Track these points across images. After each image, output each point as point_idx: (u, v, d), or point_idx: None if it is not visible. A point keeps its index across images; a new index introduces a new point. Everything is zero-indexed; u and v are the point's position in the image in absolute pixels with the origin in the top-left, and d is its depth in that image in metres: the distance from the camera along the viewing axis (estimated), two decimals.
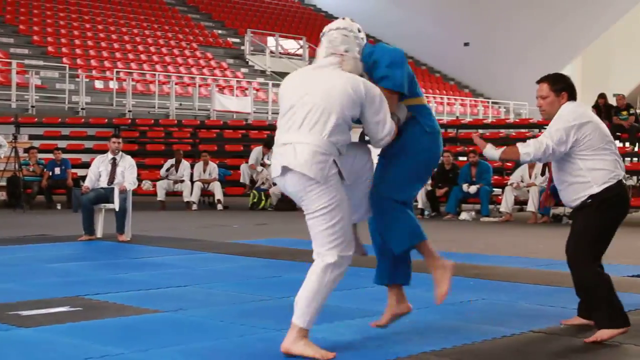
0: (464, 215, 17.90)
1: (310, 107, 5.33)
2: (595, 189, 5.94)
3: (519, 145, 6.07)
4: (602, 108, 20.78)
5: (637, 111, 22.05)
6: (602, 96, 21.25)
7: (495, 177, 19.35)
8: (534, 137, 22.23)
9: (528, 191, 17.25)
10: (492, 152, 6.18)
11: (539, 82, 6.28)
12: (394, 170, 5.74)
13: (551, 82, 6.20)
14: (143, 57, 31.68)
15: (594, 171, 5.95)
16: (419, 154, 5.78)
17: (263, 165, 21.05)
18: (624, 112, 20.46)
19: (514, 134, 23.94)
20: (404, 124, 5.74)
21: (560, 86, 6.17)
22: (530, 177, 17.53)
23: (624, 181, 6.05)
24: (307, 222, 5.49)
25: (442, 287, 5.82)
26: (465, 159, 19.38)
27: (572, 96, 6.17)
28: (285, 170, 5.36)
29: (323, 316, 6.64)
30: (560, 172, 6.11)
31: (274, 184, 20.08)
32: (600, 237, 6.00)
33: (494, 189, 18.55)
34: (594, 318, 5.93)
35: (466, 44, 41.85)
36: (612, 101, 21.59)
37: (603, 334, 5.80)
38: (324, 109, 5.30)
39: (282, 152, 5.39)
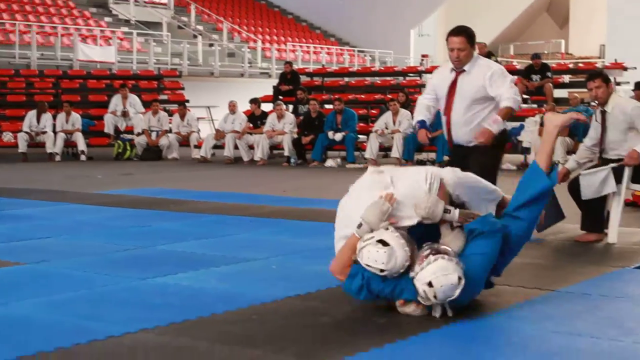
0: (329, 162, 18.03)
1: None
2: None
3: (504, 103, 6.84)
4: None
5: (499, 59, 22.46)
6: None
7: (361, 124, 19.51)
8: (399, 85, 22.57)
9: (392, 138, 17.44)
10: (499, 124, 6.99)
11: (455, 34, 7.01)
12: None
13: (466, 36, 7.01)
14: (2, 5, 30.72)
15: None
16: None
17: (125, 114, 20.73)
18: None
19: (379, 82, 24.16)
20: None
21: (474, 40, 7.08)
22: (394, 123, 17.72)
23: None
24: None
25: None
26: (330, 106, 19.45)
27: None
28: None
29: (188, 264, 6.67)
30: (471, 113, 7.01)
31: (140, 134, 19.85)
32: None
33: (359, 136, 18.70)
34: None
35: None
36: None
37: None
38: None
39: None
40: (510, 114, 6.89)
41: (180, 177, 15.41)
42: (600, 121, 8.03)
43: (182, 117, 20.28)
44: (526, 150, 16.00)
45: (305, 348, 4.47)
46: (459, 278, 4.80)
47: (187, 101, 22.19)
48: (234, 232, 8.43)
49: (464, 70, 7.02)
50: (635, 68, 20.13)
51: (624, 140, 7.90)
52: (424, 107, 7.42)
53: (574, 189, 8.08)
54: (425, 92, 7.51)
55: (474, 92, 6.99)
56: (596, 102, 8.11)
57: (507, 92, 6.84)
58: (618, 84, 19.72)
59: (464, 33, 6.99)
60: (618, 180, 7.85)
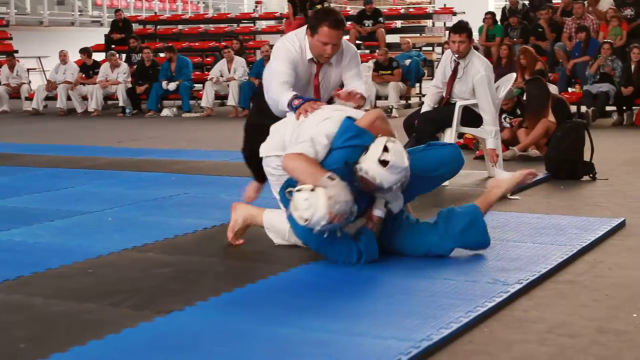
0: (165, 112, 17.86)
1: None
2: None
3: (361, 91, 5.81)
4: (296, 2, 21.06)
5: (332, 4, 22.61)
6: None
7: (196, 72, 19.38)
8: (233, 32, 22.49)
9: (228, 85, 17.40)
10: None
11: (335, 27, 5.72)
12: None
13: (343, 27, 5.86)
14: None
15: None
16: None
17: None
18: (319, 5, 20.86)
19: (212, 29, 24.02)
20: None
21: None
22: (229, 71, 17.66)
23: None
24: None
25: None
26: (164, 55, 19.23)
27: None
28: None
29: (21, 219, 6.55)
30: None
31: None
32: None
33: (195, 85, 18.58)
34: None
35: None
36: None
37: None
38: None
39: None
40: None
41: (11, 131, 15.02)
42: (452, 69, 8.11)
43: (11, 68, 19.72)
44: None
45: (142, 300, 4.47)
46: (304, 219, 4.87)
47: (16, 51, 21.58)
48: (68, 185, 8.30)
49: (329, 63, 5.96)
50: (464, 12, 20.53)
51: (467, 97, 8.08)
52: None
53: (408, 126, 8.26)
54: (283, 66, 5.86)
55: (338, 83, 6.11)
56: (455, 55, 8.03)
57: (361, 87, 5.86)
58: (448, 29, 20.14)
59: (342, 24, 5.76)
60: (449, 123, 8.07)
